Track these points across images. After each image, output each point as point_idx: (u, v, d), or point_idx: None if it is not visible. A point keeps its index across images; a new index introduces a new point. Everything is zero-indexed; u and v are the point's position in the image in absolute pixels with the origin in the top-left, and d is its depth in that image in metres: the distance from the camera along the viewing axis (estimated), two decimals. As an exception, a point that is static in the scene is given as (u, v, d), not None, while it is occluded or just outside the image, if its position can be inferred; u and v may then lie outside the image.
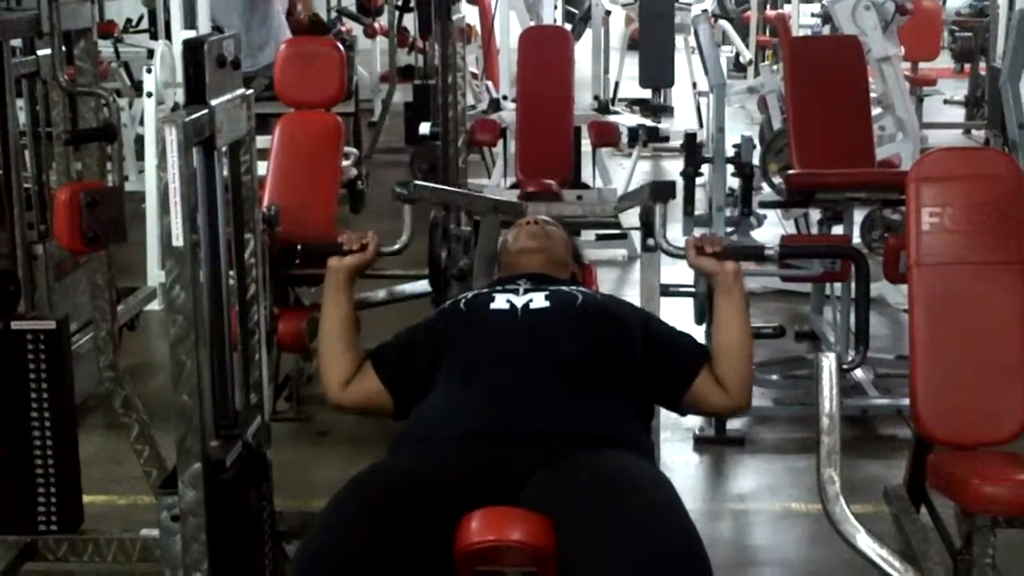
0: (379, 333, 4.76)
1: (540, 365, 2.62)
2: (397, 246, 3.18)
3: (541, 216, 3.22)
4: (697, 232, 4.83)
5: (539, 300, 2.74)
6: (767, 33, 12.30)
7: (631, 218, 5.73)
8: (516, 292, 2.78)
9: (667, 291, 3.53)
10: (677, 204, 3.73)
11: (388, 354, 2.82)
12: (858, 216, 5.27)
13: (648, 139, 7.52)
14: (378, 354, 2.83)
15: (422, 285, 4.18)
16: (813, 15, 10.29)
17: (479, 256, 3.41)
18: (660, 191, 3.07)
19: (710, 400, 2.76)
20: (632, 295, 3.36)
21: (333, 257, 2.87)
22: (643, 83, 10.17)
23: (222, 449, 2.54)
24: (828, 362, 2.74)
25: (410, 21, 10.75)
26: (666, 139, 8.01)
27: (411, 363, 2.75)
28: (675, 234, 4.43)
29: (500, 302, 2.76)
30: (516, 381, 2.59)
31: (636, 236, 5.31)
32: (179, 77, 3.60)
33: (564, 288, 2.81)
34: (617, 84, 10.36)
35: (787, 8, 11.86)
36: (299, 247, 3.35)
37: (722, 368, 2.74)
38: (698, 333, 4.69)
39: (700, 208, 5.11)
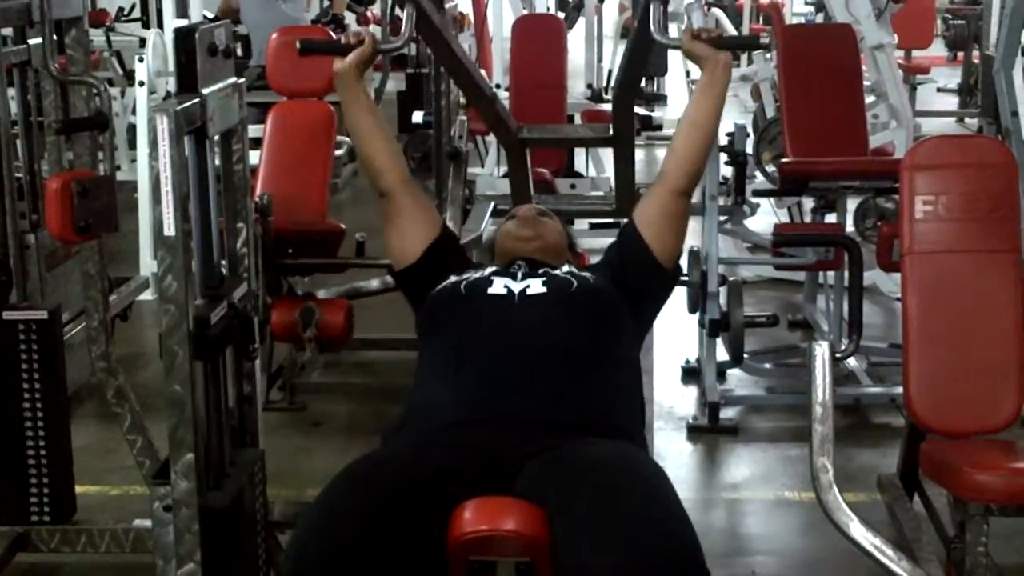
0: (375, 323, 4.79)
1: (535, 352, 2.61)
2: (399, 42, 3.13)
3: (536, 205, 3.22)
4: (690, 226, 4.85)
5: (536, 286, 2.74)
6: (760, 21, 12.29)
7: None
8: (514, 277, 2.78)
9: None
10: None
11: (452, 237, 3.01)
12: (851, 204, 5.26)
13: (641, 128, 7.50)
14: (447, 228, 3.00)
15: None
16: (806, 3, 10.29)
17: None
18: None
19: (653, 204, 2.86)
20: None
21: (336, 60, 2.86)
22: (636, 71, 10.16)
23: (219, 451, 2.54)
24: (821, 350, 2.75)
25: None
26: (659, 128, 8.01)
27: (443, 269, 2.85)
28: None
29: (498, 287, 2.75)
30: (510, 368, 2.58)
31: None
32: (171, 66, 3.58)
33: (560, 274, 2.80)
34: (610, 72, 10.35)
35: (780, -4, 11.85)
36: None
37: (676, 142, 2.85)
38: (691, 322, 4.71)
39: (694, 197, 5.09)
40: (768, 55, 7.97)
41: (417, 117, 6.78)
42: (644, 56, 3.44)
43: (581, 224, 6.75)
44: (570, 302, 2.71)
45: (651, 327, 2.99)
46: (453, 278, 2.81)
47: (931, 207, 2.98)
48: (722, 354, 4.61)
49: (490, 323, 2.68)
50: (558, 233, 3.06)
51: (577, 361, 2.62)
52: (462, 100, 5.32)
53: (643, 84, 10.63)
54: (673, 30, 3.03)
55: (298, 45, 2.89)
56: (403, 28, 3.02)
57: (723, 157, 4.97)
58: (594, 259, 3.08)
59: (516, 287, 2.74)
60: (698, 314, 4.56)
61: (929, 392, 2.91)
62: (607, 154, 8.15)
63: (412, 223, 2.90)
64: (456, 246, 3.03)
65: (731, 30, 11.86)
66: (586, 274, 2.81)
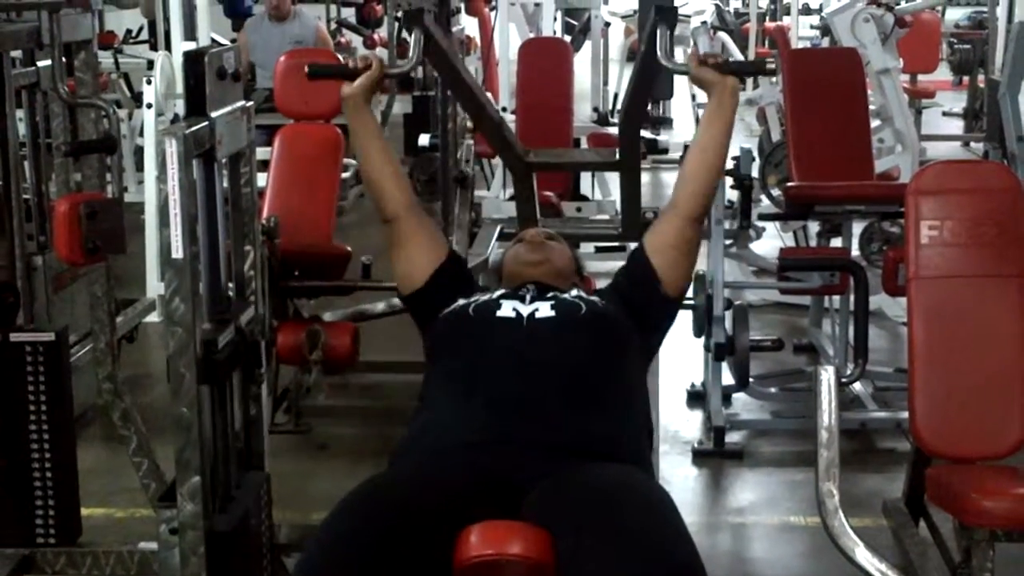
0: (380, 345, 4.79)
1: (542, 376, 2.61)
2: (407, 67, 3.13)
3: (544, 228, 3.22)
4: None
5: (544, 309, 2.74)
6: (766, 45, 12.33)
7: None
8: (523, 300, 2.78)
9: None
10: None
11: (458, 260, 3.02)
12: (857, 229, 5.27)
13: (647, 151, 7.52)
14: (453, 252, 3.00)
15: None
16: (812, 27, 10.33)
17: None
18: (664, 12, 3.06)
19: (665, 231, 2.86)
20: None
21: (344, 85, 2.86)
22: (642, 95, 10.18)
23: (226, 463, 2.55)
24: (827, 375, 2.74)
25: (410, 33, 10.77)
26: (665, 151, 8.02)
27: (451, 292, 2.85)
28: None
29: (506, 310, 2.75)
30: (517, 391, 2.58)
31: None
32: (179, 88, 3.59)
33: (569, 298, 2.81)
34: (616, 96, 10.37)
35: (786, 20, 11.89)
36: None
37: (686, 169, 2.87)
38: (696, 345, 4.70)
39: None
40: (774, 79, 7.98)
41: (423, 140, 6.79)
42: (650, 81, 3.45)
43: (587, 247, 6.76)
44: (579, 326, 2.72)
45: (657, 351, 2.99)
46: (461, 301, 2.81)
47: (937, 232, 2.98)
48: (727, 378, 4.61)
49: (498, 346, 2.68)
50: (566, 257, 3.07)
51: (585, 385, 2.62)
52: (469, 124, 5.33)
53: (649, 108, 10.65)
54: (679, 54, 3.03)
55: (306, 69, 2.90)
56: (410, 52, 3.03)
57: (728, 181, 4.97)
58: (600, 283, 3.08)
59: (525, 310, 2.74)
60: (703, 338, 4.55)
61: (935, 417, 2.91)
62: (613, 178, 8.16)
63: (419, 247, 2.90)
64: (463, 270, 3.04)
65: (737, 54, 11.90)
66: (595, 298, 2.81)
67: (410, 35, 3.02)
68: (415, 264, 2.90)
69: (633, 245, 2.96)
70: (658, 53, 2.95)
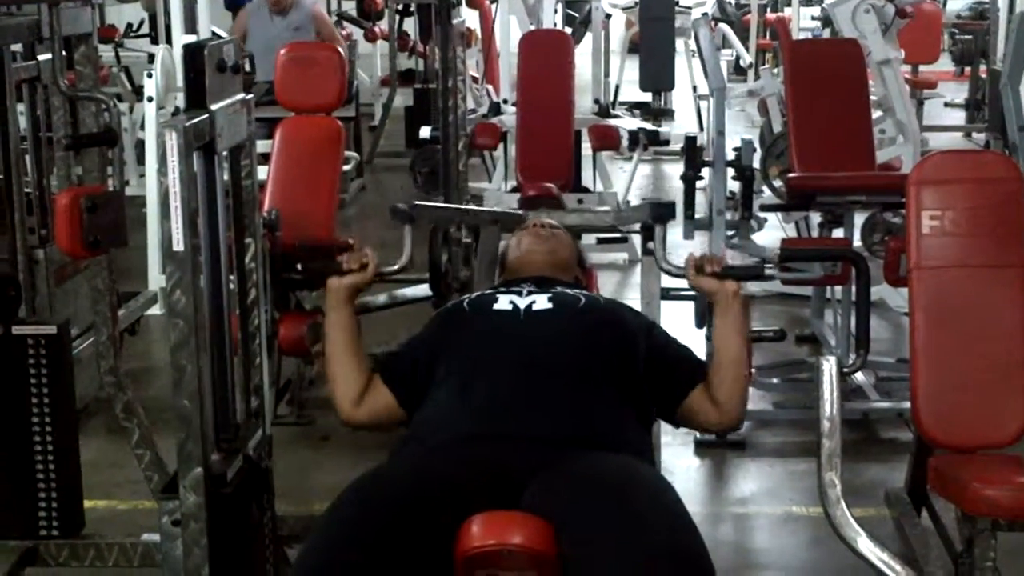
0: (380, 336, 4.79)
1: (541, 367, 2.61)
2: (397, 266, 3.12)
3: (545, 219, 3.22)
4: (697, 240, 4.84)
5: (542, 302, 2.74)
6: (767, 36, 12.32)
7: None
8: (520, 294, 2.78)
9: (667, 295, 3.53)
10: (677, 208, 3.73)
11: (397, 365, 2.80)
12: (858, 219, 5.26)
13: (648, 143, 7.52)
14: (387, 366, 2.81)
15: (423, 289, 4.17)
16: (813, 18, 10.30)
17: (480, 264, 3.40)
18: (660, 213, 3.07)
19: (702, 415, 2.73)
20: (633, 299, 3.36)
21: (332, 277, 2.84)
22: (643, 87, 10.18)
23: (223, 462, 2.55)
24: (829, 365, 2.74)
25: (411, 25, 10.78)
26: (666, 143, 8.02)
27: (418, 372, 2.74)
28: (676, 237, 4.44)
29: (503, 303, 2.76)
30: (516, 383, 2.59)
31: (637, 240, 5.32)
32: (179, 82, 3.59)
33: (567, 290, 2.81)
34: (617, 88, 10.38)
35: (787, 11, 11.88)
36: (297, 245, 3.28)
37: (715, 384, 2.72)
38: (698, 337, 4.70)
39: (701, 211, 5.11)
40: (775, 70, 7.98)
41: (425, 132, 6.79)
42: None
43: (588, 239, 6.76)
44: (577, 318, 2.72)
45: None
46: (458, 298, 2.81)
47: (938, 222, 2.98)
48: (729, 369, 4.60)
49: (496, 339, 2.68)
50: (568, 248, 3.07)
51: (583, 376, 2.62)
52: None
53: (650, 99, 10.65)
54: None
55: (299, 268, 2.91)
56: (404, 251, 3.04)
57: (730, 172, 4.97)
58: (601, 274, 3.07)
59: (522, 303, 2.74)
60: (705, 328, 4.55)
61: (937, 407, 2.91)
62: (614, 168, 8.18)
63: (382, 416, 2.78)
64: (416, 361, 2.78)
65: (738, 46, 11.92)
66: (595, 294, 2.80)
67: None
68: (392, 417, 2.79)
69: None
70: (655, 260, 2.97)
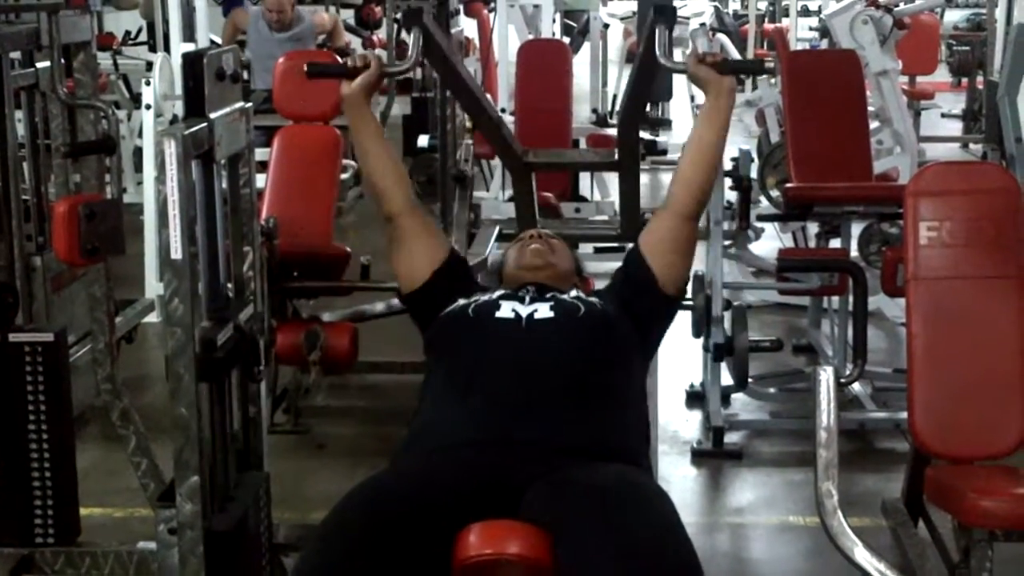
0: (379, 345, 4.79)
1: (540, 376, 2.61)
2: (405, 66, 3.10)
3: (544, 230, 3.22)
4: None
5: (543, 310, 2.75)
6: (765, 47, 12.33)
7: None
8: (522, 301, 2.78)
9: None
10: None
11: (460, 259, 3.01)
12: (856, 230, 5.27)
13: (646, 152, 7.52)
14: (457, 258, 2.99)
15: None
16: (811, 29, 10.34)
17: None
18: (663, 12, 3.06)
19: (660, 229, 2.86)
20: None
21: (343, 84, 2.85)
22: (641, 96, 10.18)
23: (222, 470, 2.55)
24: (826, 376, 2.75)
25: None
26: (664, 152, 8.02)
27: (451, 292, 2.85)
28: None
29: (506, 311, 2.76)
30: (516, 391, 2.59)
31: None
32: (178, 89, 3.59)
33: (568, 299, 2.81)
34: (615, 97, 10.38)
35: (785, 22, 11.90)
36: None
37: (686, 162, 2.85)
38: (695, 346, 4.70)
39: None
40: (773, 80, 7.99)
41: (423, 141, 6.79)
42: (649, 81, 3.45)
43: (586, 248, 6.75)
44: (577, 327, 2.72)
45: (656, 351, 3.00)
46: (461, 301, 2.81)
47: (935, 233, 2.99)
48: (726, 378, 4.61)
49: (497, 347, 2.68)
50: (566, 258, 3.07)
51: (583, 385, 2.62)
52: (468, 124, 5.33)
53: (648, 109, 10.65)
54: (678, 55, 3.03)
55: (305, 68, 2.90)
56: (409, 51, 3.03)
57: (727, 182, 4.98)
58: (600, 283, 3.08)
59: (524, 311, 2.74)
60: (702, 338, 4.56)
61: (934, 417, 2.91)
62: (612, 178, 8.17)
63: (420, 246, 2.90)
64: (465, 270, 3.03)
65: (736, 56, 11.92)
66: (593, 299, 2.81)
67: (409, 35, 3.03)
68: (416, 263, 2.89)
69: (631, 245, 2.96)
70: (657, 52, 2.95)
